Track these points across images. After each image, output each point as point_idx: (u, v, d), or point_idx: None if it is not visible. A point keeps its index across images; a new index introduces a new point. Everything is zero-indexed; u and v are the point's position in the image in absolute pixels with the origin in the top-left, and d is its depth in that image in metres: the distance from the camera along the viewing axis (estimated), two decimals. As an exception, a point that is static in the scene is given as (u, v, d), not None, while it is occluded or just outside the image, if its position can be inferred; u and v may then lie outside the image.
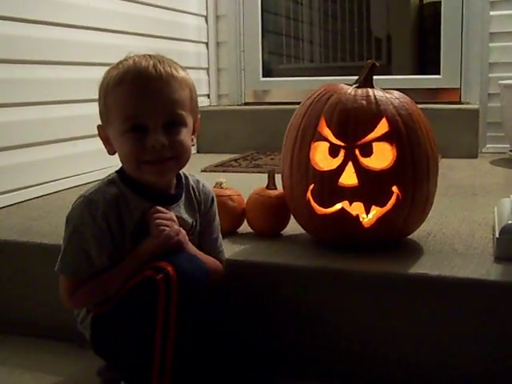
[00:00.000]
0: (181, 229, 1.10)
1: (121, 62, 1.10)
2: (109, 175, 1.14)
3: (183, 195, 1.17)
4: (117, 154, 1.13)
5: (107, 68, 1.12)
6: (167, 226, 1.08)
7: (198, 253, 1.16)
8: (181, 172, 1.19)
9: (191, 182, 1.20)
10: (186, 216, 1.16)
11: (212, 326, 1.16)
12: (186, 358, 1.04)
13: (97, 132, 1.14)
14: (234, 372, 1.14)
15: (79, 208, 1.08)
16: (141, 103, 1.06)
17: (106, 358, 1.16)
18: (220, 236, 1.25)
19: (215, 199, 1.24)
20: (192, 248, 1.14)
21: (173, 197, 1.15)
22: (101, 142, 1.15)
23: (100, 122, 1.13)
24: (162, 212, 1.09)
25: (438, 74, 2.93)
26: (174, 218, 1.11)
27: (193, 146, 1.16)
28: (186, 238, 1.11)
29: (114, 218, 1.08)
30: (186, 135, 1.11)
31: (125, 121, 1.06)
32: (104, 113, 1.11)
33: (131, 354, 1.07)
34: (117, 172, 1.14)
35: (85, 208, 1.08)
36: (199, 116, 1.18)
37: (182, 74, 1.11)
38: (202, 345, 1.12)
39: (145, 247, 1.08)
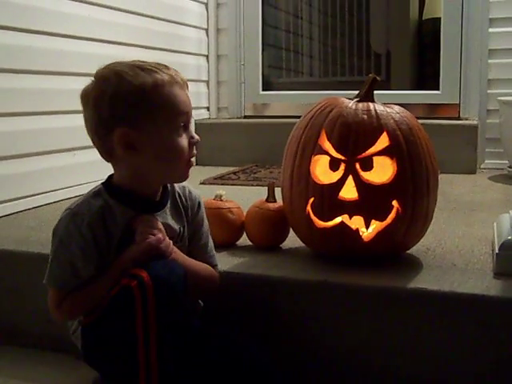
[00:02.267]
0: (166, 238, 1.10)
1: (151, 66, 1.11)
2: (94, 187, 1.14)
3: (169, 202, 1.17)
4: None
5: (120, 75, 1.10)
6: (152, 235, 1.08)
7: (189, 260, 1.16)
8: None
9: (177, 189, 1.20)
10: (172, 222, 1.16)
11: (199, 337, 1.16)
12: (171, 366, 1.04)
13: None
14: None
15: (65, 221, 1.09)
16: (187, 103, 1.13)
17: (97, 368, 1.16)
18: (210, 241, 1.25)
19: (202, 204, 1.24)
20: (180, 256, 1.14)
21: (158, 204, 1.16)
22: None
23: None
24: (149, 220, 1.10)
25: (437, 89, 2.95)
26: (161, 227, 1.11)
27: None
28: (171, 246, 1.11)
29: (100, 229, 1.08)
30: None
31: (178, 117, 1.10)
32: (142, 113, 1.08)
33: (118, 363, 1.07)
34: (102, 184, 1.15)
35: (70, 221, 1.08)
36: None
37: None
38: (189, 355, 1.12)
39: (126, 254, 1.08)
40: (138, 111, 1.08)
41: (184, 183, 1.23)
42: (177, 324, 1.05)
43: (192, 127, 1.15)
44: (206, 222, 1.25)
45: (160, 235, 1.09)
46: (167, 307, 1.02)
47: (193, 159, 1.14)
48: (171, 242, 1.11)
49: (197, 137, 1.13)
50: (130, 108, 1.08)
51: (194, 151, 1.13)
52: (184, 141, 1.11)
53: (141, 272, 1.02)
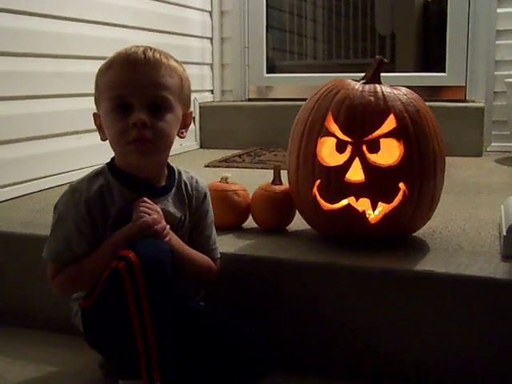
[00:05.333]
0: (163, 221, 1.10)
1: (116, 51, 1.13)
2: (99, 166, 1.16)
3: (173, 189, 1.17)
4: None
5: None
6: (148, 215, 1.08)
7: (185, 247, 1.16)
8: (175, 167, 1.20)
9: (184, 178, 1.20)
10: (173, 210, 1.16)
11: (202, 320, 1.17)
12: (172, 346, 1.04)
13: None
14: (234, 367, 1.13)
15: (65, 196, 1.12)
16: (127, 83, 1.08)
17: (99, 350, 1.17)
18: (214, 234, 1.24)
19: (208, 196, 1.24)
20: (177, 242, 1.13)
21: (161, 189, 1.16)
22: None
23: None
24: (149, 203, 1.10)
25: (443, 71, 2.93)
26: (159, 210, 1.11)
27: (183, 138, 1.18)
28: (167, 230, 1.10)
29: (97, 206, 1.09)
30: (170, 121, 1.11)
31: (111, 100, 1.09)
32: (96, 97, 1.14)
33: (118, 345, 1.07)
34: (107, 163, 1.16)
35: (70, 196, 1.11)
36: (191, 111, 1.19)
37: (173, 63, 1.13)
38: (193, 338, 1.13)
39: (120, 232, 1.08)
40: (95, 94, 1.14)
41: (194, 174, 1.22)
42: (170, 301, 1.05)
43: (139, 107, 1.07)
44: (210, 214, 1.24)
45: (156, 216, 1.09)
46: (157, 284, 1.02)
47: (140, 141, 1.07)
48: (168, 226, 1.11)
49: (138, 118, 1.06)
50: (94, 91, 1.15)
51: (142, 133, 1.06)
52: (118, 123, 1.08)
53: (128, 253, 1.02)
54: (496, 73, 2.76)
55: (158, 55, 1.11)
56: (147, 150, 1.09)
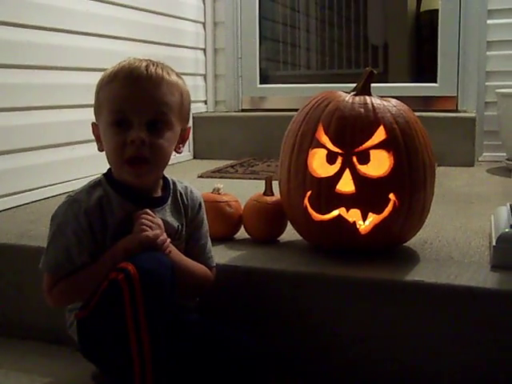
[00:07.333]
0: (164, 234, 1.10)
1: (119, 63, 1.14)
2: (96, 177, 1.16)
3: (169, 199, 1.18)
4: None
5: None
6: (150, 228, 1.09)
7: (184, 259, 1.16)
8: (169, 177, 1.20)
9: (179, 188, 1.21)
10: (171, 220, 1.17)
11: (196, 331, 1.17)
12: (165, 359, 1.04)
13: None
14: (230, 378, 1.14)
15: (64, 207, 1.12)
16: (128, 99, 1.09)
17: (94, 361, 1.17)
18: (209, 242, 1.25)
19: (203, 205, 1.25)
20: (176, 254, 1.14)
21: (158, 200, 1.16)
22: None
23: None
24: (150, 215, 1.11)
25: (435, 82, 2.95)
26: (160, 223, 1.11)
27: (180, 153, 1.19)
28: (167, 243, 1.11)
29: (97, 217, 1.10)
30: (169, 139, 1.12)
31: (111, 114, 1.09)
32: (96, 108, 1.14)
33: (113, 357, 1.07)
34: (104, 174, 1.16)
35: (69, 207, 1.11)
36: (189, 126, 1.20)
37: (174, 78, 1.14)
38: (186, 349, 1.13)
39: (120, 244, 1.09)
40: (95, 106, 1.15)
41: (187, 183, 1.23)
42: (168, 315, 1.05)
43: (138, 124, 1.07)
44: (205, 223, 1.25)
45: (158, 231, 1.09)
46: (156, 298, 1.02)
47: (136, 158, 1.08)
48: (169, 239, 1.12)
49: (136, 136, 1.07)
50: (94, 101, 1.15)
51: (140, 152, 1.07)
52: (115, 138, 1.09)
53: (127, 265, 1.02)
54: (487, 83, 2.79)
55: (160, 71, 1.11)
56: (143, 172, 1.10)
